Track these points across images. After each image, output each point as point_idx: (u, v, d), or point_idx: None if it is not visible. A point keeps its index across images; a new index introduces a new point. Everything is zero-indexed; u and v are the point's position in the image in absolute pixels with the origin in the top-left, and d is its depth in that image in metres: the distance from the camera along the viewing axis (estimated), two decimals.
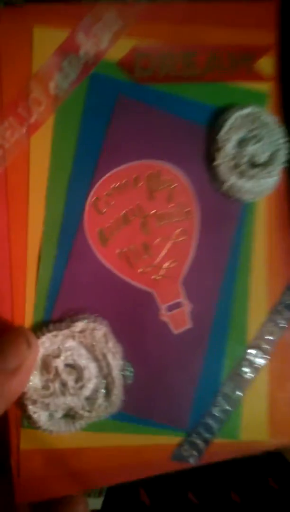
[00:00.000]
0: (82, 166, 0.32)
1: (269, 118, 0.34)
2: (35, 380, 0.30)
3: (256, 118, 0.34)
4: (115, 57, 0.33)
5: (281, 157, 0.34)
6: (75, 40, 0.33)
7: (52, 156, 0.32)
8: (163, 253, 0.33)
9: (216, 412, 0.33)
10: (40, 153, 0.32)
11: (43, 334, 0.30)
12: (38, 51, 0.32)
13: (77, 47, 0.33)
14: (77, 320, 0.31)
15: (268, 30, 0.36)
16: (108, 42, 0.33)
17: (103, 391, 0.31)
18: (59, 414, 0.31)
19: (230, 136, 0.34)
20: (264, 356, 0.34)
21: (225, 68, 0.35)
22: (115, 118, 0.33)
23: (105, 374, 0.31)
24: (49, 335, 0.30)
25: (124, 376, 0.32)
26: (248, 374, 0.34)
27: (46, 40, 0.32)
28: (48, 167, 0.32)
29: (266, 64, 0.35)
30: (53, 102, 0.32)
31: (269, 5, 0.36)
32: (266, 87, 0.36)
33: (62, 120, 0.32)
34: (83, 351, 0.31)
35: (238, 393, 0.34)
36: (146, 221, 0.33)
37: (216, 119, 0.34)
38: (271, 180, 0.34)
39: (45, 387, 0.30)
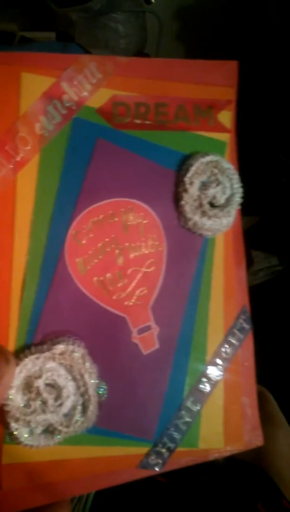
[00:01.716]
0: (64, 201, 0.37)
1: (227, 165, 0.41)
2: (17, 399, 0.34)
3: (217, 165, 0.41)
4: (95, 105, 0.38)
5: (236, 200, 0.41)
6: (60, 87, 0.37)
7: (37, 192, 0.36)
8: (135, 281, 0.39)
9: (179, 423, 0.39)
10: (26, 188, 0.36)
11: (26, 356, 0.34)
12: (25, 95, 0.37)
13: (61, 93, 0.37)
14: (57, 343, 0.35)
15: (229, 87, 0.43)
16: (89, 91, 0.38)
17: (80, 407, 0.36)
18: (39, 430, 0.35)
19: (194, 180, 0.40)
20: (221, 372, 0.41)
21: (191, 118, 0.41)
22: (94, 159, 0.38)
23: (82, 392, 0.36)
24: (31, 357, 0.34)
25: (98, 394, 0.37)
26: (207, 389, 0.40)
27: (33, 85, 0.37)
28: (33, 201, 0.36)
29: (226, 117, 0.43)
30: (38, 142, 0.37)
31: (231, 65, 0.43)
32: (225, 137, 0.43)
33: (47, 158, 0.37)
34: (62, 372, 0.35)
35: (198, 406, 0.40)
36: (121, 253, 0.38)
37: (182, 164, 0.40)
38: (228, 219, 0.41)
39: (27, 405, 0.34)
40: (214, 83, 0.42)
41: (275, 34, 0.95)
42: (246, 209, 0.41)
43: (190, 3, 1.11)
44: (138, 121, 0.39)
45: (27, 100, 0.37)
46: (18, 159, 0.36)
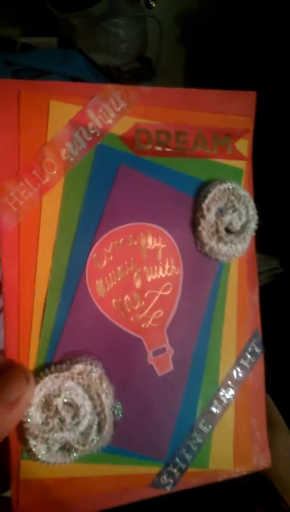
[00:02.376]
0: (86, 224, 0.39)
1: (244, 192, 0.43)
2: (36, 417, 0.36)
3: (233, 192, 0.43)
4: (119, 132, 0.41)
5: (252, 227, 0.43)
6: (86, 115, 0.40)
7: (61, 215, 0.38)
8: (152, 304, 0.40)
9: (191, 445, 0.40)
10: (50, 211, 0.38)
11: (46, 375, 0.36)
12: (53, 122, 0.39)
13: (87, 121, 0.40)
14: (76, 363, 0.37)
15: (247, 116, 0.45)
16: (113, 118, 0.40)
17: (96, 427, 0.37)
18: (56, 447, 0.36)
19: (211, 206, 0.42)
20: (232, 395, 0.42)
21: (210, 146, 0.43)
22: (116, 184, 0.40)
23: (99, 412, 0.37)
24: (51, 376, 0.36)
25: (114, 414, 0.38)
26: (218, 411, 0.42)
27: (61, 112, 0.39)
28: (56, 224, 0.38)
29: (243, 145, 0.45)
30: (64, 167, 0.39)
31: (249, 95, 0.45)
32: (242, 165, 0.45)
33: (71, 183, 0.39)
34: (80, 391, 0.37)
35: (209, 428, 0.41)
36: (139, 276, 0.40)
37: (200, 190, 0.42)
38: (243, 245, 0.43)
39: (45, 423, 0.36)
40: (232, 113, 0.44)
41: (273, 35, 0.97)
42: None
43: (191, 8, 1.13)
44: (159, 148, 0.42)
45: (54, 126, 0.39)
46: (44, 183, 0.38)
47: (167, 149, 0.42)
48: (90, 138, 0.40)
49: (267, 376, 0.44)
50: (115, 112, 0.41)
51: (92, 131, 0.40)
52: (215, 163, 0.44)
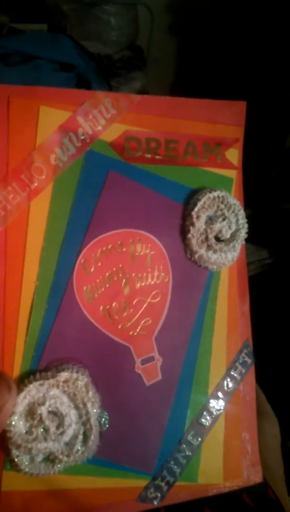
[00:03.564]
0: (75, 230, 0.40)
1: (233, 201, 0.45)
2: (20, 426, 0.36)
3: (223, 200, 0.44)
4: (108, 139, 0.42)
5: (242, 236, 0.44)
6: (75, 121, 0.41)
7: (49, 219, 0.39)
8: (140, 311, 0.41)
9: (179, 457, 0.40)
10: (38, 216, 0.39)
11: (30, 382, 0.36)
12: (42, 127, 0.40)
13: (76, 127, 0.41)
14: (62, 370, 0.38)
15: (238, 125, 0.47)
16: (103, 125, 0.42)
17: (81, 437, 0.37)
18: (39, 458, 0.36)
19: (201, 214, 0.43)
20: (222, 406, 0.43)
21: (200, 155, 0.45)
22: (105, 190, 0.41)
23: (84, 421, 0.38)
24: (36, 383, 0.36)
25: (100, 423, 0.38)
26: (208, 423, 0.42)
27: (50, 118, 0.40)
28: (44, 229, 0.39)
29: (233, 154, 0.46)
30: (53, 172, 0.40)
31: (240, 105, 0.47)
32: (232, 174, 0.46)
33: (60, 188, 0.40)
34: (65, 399, 0.37)
35: (198, 440, 0.41)
36: (127, 282, 0.41)
37: (190, 198, 0.44)
38: (233, 254, 0.44)
39: (29, 432, 0.36)
40: (222, 122, 0.46)
41: (265, 21, 0.99)
42: None
43: None
44: (148, 156, 0.43)
45: (44, 132, 0.40)
46: (32, 187, 0.39)
47: (157, 157, 0.43)
48: (80, 144, 0.41)
49: (256, 364, 0.45)
50: (105, 119, 0.42)
51: (82, 137, 0.41)
52: (206, 171, 0.45)
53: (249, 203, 0.46)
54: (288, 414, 0.52)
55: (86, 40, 0.85)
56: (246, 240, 0.45)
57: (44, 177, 0.40)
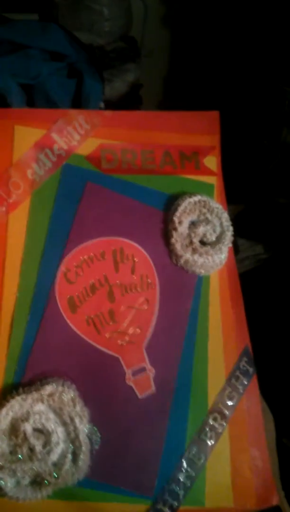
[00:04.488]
0: (54, 240, 0.40)
1: (216, 204, 0.45)
2: (3, 446, 0.34)
3: (205, 204, 0.45)
4: (84, 152, 0.44)
5: (228, 238, 0.44)
6: (50, 138, 0.43)
7: (28, 232, 0.40)
8: (127, 320, 0.40)
9: (181, 477, 0.37)
10: (17, 229, 0.40)
11: (13, 397, 0.35)
12: (18, 145, 0.42)
13: (52, 143, 0.43)
14: (46, 384, 0.36)
15: (212, 134, 0.48)
16: (78, 140, 0.44)
17: (70, 456, 0.35)
18: (26, 480, 0.34)
19: (183, 219, 0.44)
20: (225, 420, 0.40)
21: (177, 163, 0.46)
22: (84, 200, 0.42)
23: (73, 439, 0.35)
24: (18, 398, 0.35)
25: (91, 441, 0.36)
26: (211, 439, 0.39)
27: (25, 136, 0.42)
28: (24, 241, 0.40)
29: (211, 161, 0.48)
30: (30, 186, 0.41)
31: (212, 115, 0.49)
32: (212, 180, 0.47)
33: (38, 201, 0.41)
34: (51, 415, 0.35)
35: (202, 458, 0.39)
36: (112, 291, 0.41)
37: (171, 204, 0.44)
38: (219, 256, 0.43)
39: (13, 452, 0.34)
40: (196, 132, 0.48)
41: (258, 18, 1.01)
42: (231, 197, 0.44)
43: None
44: (125, 166, 0.44)
45: (20, 149, 0.42)
46: (10, 201, 0.40)
47: (134, 167, 0.45)
48: (56, 159, 0.43)
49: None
50: (79, 134, 0.44)
51: (58, 152, 0.43)
52: (185, 179, 0.46)
53: (244, 198, 0.46)
54: (283, 410, 0.49)
55: (78, 30, 0.84)
56: (241, 235, 0.45)
57: (21, 191, 0.41)
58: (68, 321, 0.39)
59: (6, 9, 0.84)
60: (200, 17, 1.17)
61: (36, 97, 0.64)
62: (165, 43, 1.24)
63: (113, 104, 0.81)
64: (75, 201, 0.42)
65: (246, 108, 0.46)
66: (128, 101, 0.86)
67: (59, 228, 0.41)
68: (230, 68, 1.06)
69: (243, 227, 0.45)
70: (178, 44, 1.25)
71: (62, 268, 0.40)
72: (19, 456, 0.34)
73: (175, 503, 0.37)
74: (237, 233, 0.46)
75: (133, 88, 0.91)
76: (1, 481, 0.33)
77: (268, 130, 0.87)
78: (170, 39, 1.24)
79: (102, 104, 0.69)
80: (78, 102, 0.67)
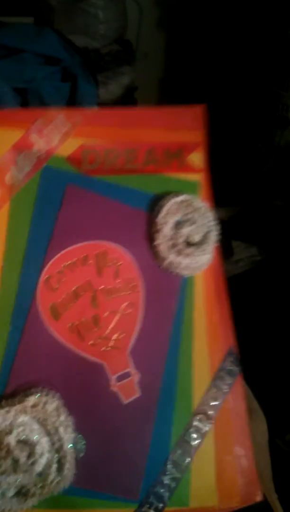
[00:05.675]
0: (35, 246, 0.39)
1: (201, 204, 0.43)
2: None
3: (190, 204, 0.43)
4: (65, 153, 0.41)
5: (213, 237, 0.42)
6: (29, 139, 0.41)
7: (8, 239, 0.38)
8: (111, 325, 0.39)
9: (166, 480, 0.37)
10: None
11: None
12: None
13: (30, 145, 0.40)
14: (29, 394, 0.35)
15: (198, 129, 0.46)
16: (58, 141, 0.41)
17: (55, 465, 0.34)
18: (11, 492, 0.33)
19: (167, 220, 0.42)
20: (209, 421, 0.40)
21: (161, 162, 0.44)
22: (65, 204, 0.40)
23: (57, 448, 0.35)
24: (2, 411, 0.34)
25: (76, 449, 0.36)
26: (195, 440, 0.39)
27: (3, 138, 0.40)
28: (3, 248, 0.38)
29: (197, 158, 0.45)
30: (8, 191, 0.39)
31: (198, 109, 0.46)
32: (197, 177, 0.45)
33: (17, 206, 0.39)
34: (35, 426, 0.35)
35: (186, 459, 0.38)
36: (96, 296, 0.39)
37: (154, 204, 0.42)
38: (205, 257, 0.42)
39: None
40: (181, 128, 0.45)
41: (252, 21, 0.99)
42: (225, 199, 0.43)
43: None
44: (108, 167, 0.42)
45: None
46: None
47: (117, 167, 0.42)
48: (35, 161, 0.40)
49: (243, 358, 0.43)
50: (59, 134, 0.42)
51: (37, 154, 0.41)
52: (168, 177, 0.44)
53: (238, 200, 0.44)
54: (276, 410, 0.49)
55: (74, 33, 0.83)
56: (236, 237, 0.44)
57: (0, 196, 0.39)
58: (51, 329, 0.38)
59: (2, 12, 0.81)
60: (194, 20, 1.14)
61: (31, 101, 0.64)
62: (160, 46, 1.21)
63: (108, 107, 0.79)
64: (56, 205, 0.40)
65: (241, 111, 0.44)
66: (123, 103, 0.85)
67: (40, 234, 0.39)
68: (225, 71, 1.03)
69: (238, 229, 0.43)
70: (173, 46, 1.22)
71: (44, 274, 0.38)
72: (3, 469, 0.33)
73: (160, 505, 0.37)
74: (232, 235, 0.44)
75: (128, 90, 0.89)
76: None
77: (262, 133, 0.84)
78: (165, 42, 1.21)
79: (96, 108, 0.68)
80: (73, 105, 0.66)
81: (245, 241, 0.74)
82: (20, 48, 0.66)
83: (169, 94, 1.22)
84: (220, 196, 0.44)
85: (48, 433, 0.35)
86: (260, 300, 0.69)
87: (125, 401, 0.38)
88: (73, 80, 0.68)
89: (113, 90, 0.84)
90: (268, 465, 0.43)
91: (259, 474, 0.39)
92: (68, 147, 0.42)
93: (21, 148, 0.40)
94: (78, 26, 0.89)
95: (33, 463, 0.34)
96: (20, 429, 0.34)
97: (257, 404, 0.44)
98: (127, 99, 0.88)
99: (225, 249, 0.45)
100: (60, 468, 0.34)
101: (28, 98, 0.65)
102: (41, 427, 0.35)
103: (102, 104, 0.78)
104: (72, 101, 0.68)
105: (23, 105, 0.66)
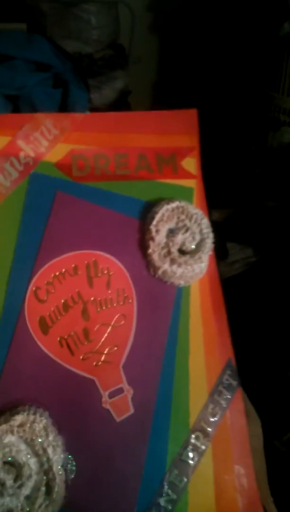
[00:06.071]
0: (23, 257, 0.37)
1: (195, 210, 0.42)
2: None
3: (184, 211, 0.41)
4: (53, 159, 0.40)
5: (208, 245, 0.41)
6: (16, 145, 0.39)
7: None
8: (103, 338, 0.37)
9: (162, 502, 0.35)
10: None
11: None
12: None
13: (17, 151, 0.39)
14: (16, 413, 0.33)
15: (191, 134, 0.44)
16: (46, 147, 0.40)
17: (44, 488, 0.32)
18: None
19: (160, 227, 0.40)
20: (207, 438, 0.38)
21: (153, 167, 0.42)
22: (54, 212, 0.39)
23: (46, 470, 0.33)
24: None
25: (66, 471, 0.33)
26: (193, 458, 0.37)
27: None
28: None
29: (190, 163, 0.44)
30: None
31: (191, 113, 0.45)
32: (191, 183, 0.43)
33: (4, 214, 0.37)
34: (22, 446, 0.33)
35: (183, 479, 0.36)
36: (86, 308, 0.37)
37: (147, 212, 0.41)
38: (200, 266, 0.40)
39: None
40: (174, 132, 0.44)
41: (244, 25, 0.99)
42: (220, 201, 0.41)
43: None
44: (98, 173, 0.41)
45: None
46: None
47: (108, 173, 0.41)
48: (22, 168, 0.39)
49: (238, 361, 0.41)
50: (47, 140, 0.40)
51: (24, 161, 0.39)
52: (162, 183, 0.42)
53: (232, 202, 0.43)
54: (273, 411, 0.47)
55: (67, 39, 0.84)
56: (231, 239, 0.42)
57: None
58: (39, 343, 0.36)
59: None
60: (187, 24, 1.15)
61: (22, 108, 0.63)
62: (152, 50, 1.23)
63: (102, 111, 0.79)
64: (44, 213, 0.38)
65: (233, 113, 0.43)
66: (117, 108, 0.85)
67: (28, 244, 0.37)
68: (217, 74, 1.04)
69: (232, 230, 0.41)
70: (166, 50, 1.23)
71: (32, 286, 0.36)
72: None
73: None
74: (226, 237, 0.43)
75: (122, 95, 0.90)
76: None
77: (255, 135, 0.84)
78: (157, 46, 1.23)
79: (88, 113, 0.68)
80: (64, 112, 0.65)
81: (240, 242, 0.73)
82: (11, 55, 0.65)
83: (163, 97, 1.23)
84: (214, 198, 0.43)
85: (36, 454, 0.33)
86: (256, 301, 0.68)
87: (118, 418, 0.36)
88: (64, 86, 0.67)
89: (107, 95, 0.84)
90: (263, 469, 0.41)
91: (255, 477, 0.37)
92: (56, 153, 0.40)
93: (7, 154, 0.39)
94: (71, 32, 0.89)
95: (20, 486, 0.32)
96: (7, 450, 0.32)
97: (251, 407, 0.42)
98: (121, 103, 0.87)
99: (220, 251, 0.43)
100: (49, 491, 0.32)
101: (19, 105, 0.65)
102: (29, 448, 0.33)
103: (95, 108, 0.77)
104: (64, 107, 0.67)
105: (14, 112, 0.65)
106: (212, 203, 0.44)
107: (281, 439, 0.56)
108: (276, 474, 0.45)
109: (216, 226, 0.42)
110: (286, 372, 0.63)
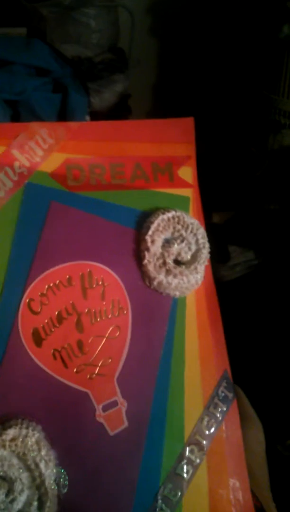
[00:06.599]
0: (17, 267, 0.36)
1: (191, 220, 0.41)
2: None
3: (180, 220, 0.41)
4: (48, 169, 0.39)
5: (204, 255, 0.40)
6: (10, 155, 0.39)
7: None
8: (97, 351, 0.37)
9: None
10: None
11: None
12: None
13: (12, 160, 0.39)
14: (8, 427, 0.33)
15: (187, 143, 0.44)
16: (41, 156, 0.39)
17: (36, 503, 0.32)
18: None
19: (156, 237, 0.40)
20: (202, 452, 0.37)
21: (150, 176, 0.42)
22: (48, 222, 0.38)
23: (38, 485, 0.32)
24: None
25: (58, 486, 0.33)
26: (187, 472, 0.36)
27: None
28: None
29: (187, 172, 0.43)
30: None
31: (187, 122, 0.45)
32: (187, 192, 0.43)
33: None
34: (14, 461, 0.32)
35: (178, 494, 0.36)
36: (80, 319, 0.37)
37: (142, 221, 0.40)
38: (195, 276, 0.40)
39: None
40: (170, 141, 0.43)
41: (243, 28, 0.99)
42: (221, 204, 0.41)
43: None
44: (93, 183, 0.40)
45: None
46: None
47: (103, 183, 0.41)
48: (17, 178, 0.38)
49: (239, 365, 0.41)
50: (42, 149, 0.40)
51: (19, 171, 0.39)
52: (158, 193, 0.42)
53: (233, 205, 0.43)
54: (275, 416, 0.46)
55: (66, 43, 0.85)
56: (232, 242, 0.42)
57: None
58: (32, 356, 0.35)
59: None
60: (186, 27, 1.15)
61: (22, 113, 0.63)
62: (152, 53, 1.23)
63: (102, 115, 0.79)
64: (39, 223, 0.38)
65: (234, 116, 0.43)
66: (117, 111, 0.85)
67: (22, 254, 0.37)
68: (217, 77, 1.03)
69: (233, 233, 0.41)
70: (165, 53, 1.24)
71: (25, 297, 0.36)
72: None
73: None
74: (228, 240, 0.42)
75: (122, 98, 0.90)
76: None
77: (255, 138, 0.84)
78: (157, 49, 1.23)
79: (88, 118, 0.67)
80: (64, 116, 0.65)
81: (241, 245, 0.72)
82: (10, 60, 0.65)
83: (163, 100, 1.23)
84: (215, 200, 0.43)
85: (28, 469, 0.32)
86: (258, 304, 0.68)
87: (112, 432, 0.35)
88: (64, 91, 0.67)
89: (107, 98, 0.84)
90: (265, 474, 0.40)
91: (256, 483, 0.37)
92: (51, 163, 0.40)
93: (2, 164, 0.38)
94: (71, 36, 0.89)
95: (12, 501, 0.31)
96: None
97: (253, 411, 0.41)
98: (121, 106, 0.88)
99: (222, 254, 0.43)
100: (41, 506, 0.32)
101: (19, 110, 0.65)
102: (21, 462, 0.32)
103: (96, 112, 0.77)
104: (63, 112, 0.67)
105: (14, 117, 0.65)
106: (213, 206, 0.43)
107: (283, 443, 0.56)
108: (279, 479, 0.44)
109: (217, 229, 0.42)
110: (288, 376, 0.63)
